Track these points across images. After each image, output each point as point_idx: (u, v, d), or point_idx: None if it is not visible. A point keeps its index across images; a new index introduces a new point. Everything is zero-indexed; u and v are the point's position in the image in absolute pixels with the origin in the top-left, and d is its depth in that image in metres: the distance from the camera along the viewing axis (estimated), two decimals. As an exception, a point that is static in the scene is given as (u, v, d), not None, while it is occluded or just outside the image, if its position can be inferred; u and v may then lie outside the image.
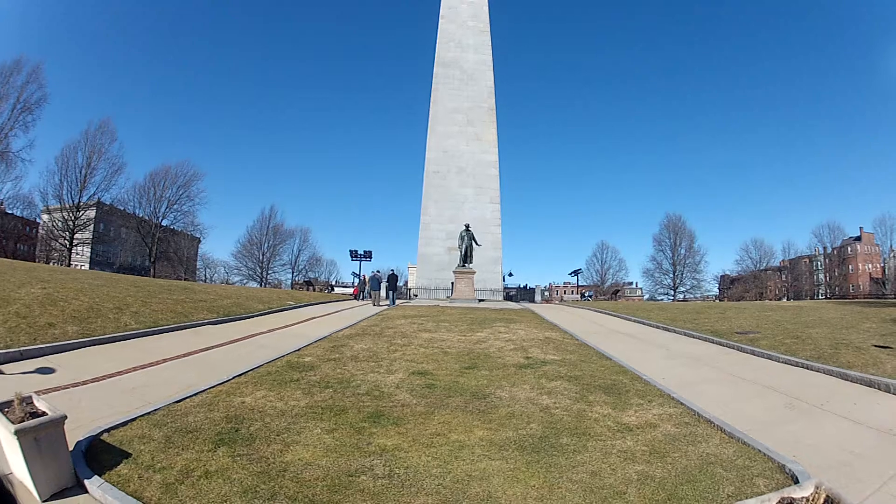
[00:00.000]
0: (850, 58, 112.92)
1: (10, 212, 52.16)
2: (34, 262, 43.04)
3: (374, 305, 25.37)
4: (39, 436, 4.30)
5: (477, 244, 30.91)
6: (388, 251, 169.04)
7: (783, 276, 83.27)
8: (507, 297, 39.30)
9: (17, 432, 4.18)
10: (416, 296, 36.91)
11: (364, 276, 33.24)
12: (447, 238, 37.58)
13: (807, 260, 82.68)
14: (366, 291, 30.83)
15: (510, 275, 45.16)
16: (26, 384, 6.92)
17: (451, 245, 35.26)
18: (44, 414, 4.55)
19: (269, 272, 67.11)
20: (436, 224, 39.11)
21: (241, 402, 6.78)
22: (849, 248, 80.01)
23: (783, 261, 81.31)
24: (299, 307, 21.03)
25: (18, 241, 56.11)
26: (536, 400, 7.33)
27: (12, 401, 4.61)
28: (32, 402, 4.78)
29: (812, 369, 9.33)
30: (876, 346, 10.32)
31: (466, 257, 30.26)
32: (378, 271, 31.37)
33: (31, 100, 43.34)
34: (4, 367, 8.01)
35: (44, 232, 54.60)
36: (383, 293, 28.57)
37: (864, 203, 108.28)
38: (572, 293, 70.88)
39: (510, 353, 10.91)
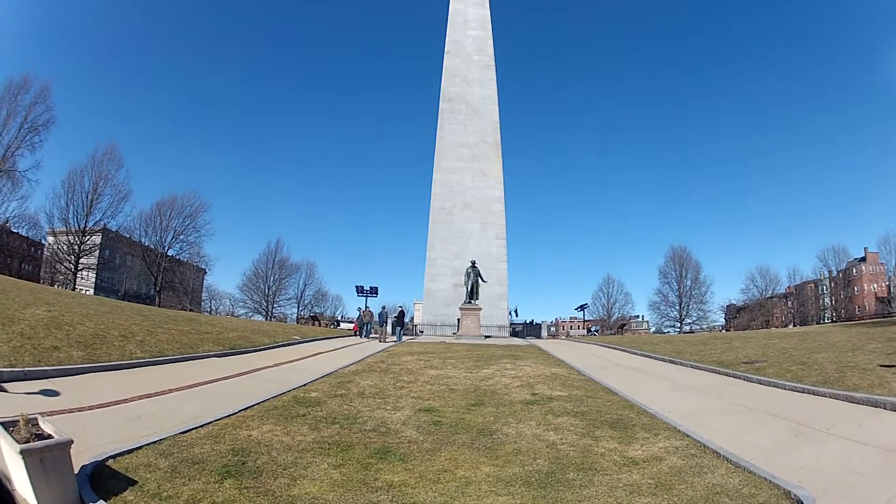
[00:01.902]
0: (851, 71, 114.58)
1: (15, 231, 52.24)
2: (38, 283, 42.94)
3: (381, 341, 25.31)
4: (45, 457, 4.31)
5: (483, 280, 30.98)
6: (394, 287, 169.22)
7: (789, 303, 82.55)
8: (514, 333, 39.09)
9: (22, 452, 4.20)
10: (423, 332, 36.77)
11: (363, 310, 32.84)
12: (453, 274, 37.60)
13: (812, 285, 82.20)
14: (366, 328, 30.37)
15: (515, 312, 45.01)
16: (30, 405, 6.93)
17: (457, 281, 35.28)
18: (49, 436, 4.58)
19: (275, 306, 67.12)
20: (441, 260, 39.24)
21: (248, 436, 6.79)
22: (854, 270, 79.53)
23: (789, 287, 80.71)
24: (305, 342, 21.04)
25: (23, 260, 56.30)
26: (543, 436, 7.29)
27: (18, 421, 4.64)
28: (38, 424, 4.81)
29: (818, 394, 9.32)
30: (882, 365, 10.34)
31: (472, 294, 30.31)
32: (385, 307, 31.39)
33: (39, 121, 43.36)
34: (8, 386, 8.00)
35: (49, 254, 54.77)
36: (389, 329, 28.54)
37: (869, 223, 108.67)
38: (579, 328, 70.22)
39: (516, 390, 10.88)
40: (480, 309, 30.16)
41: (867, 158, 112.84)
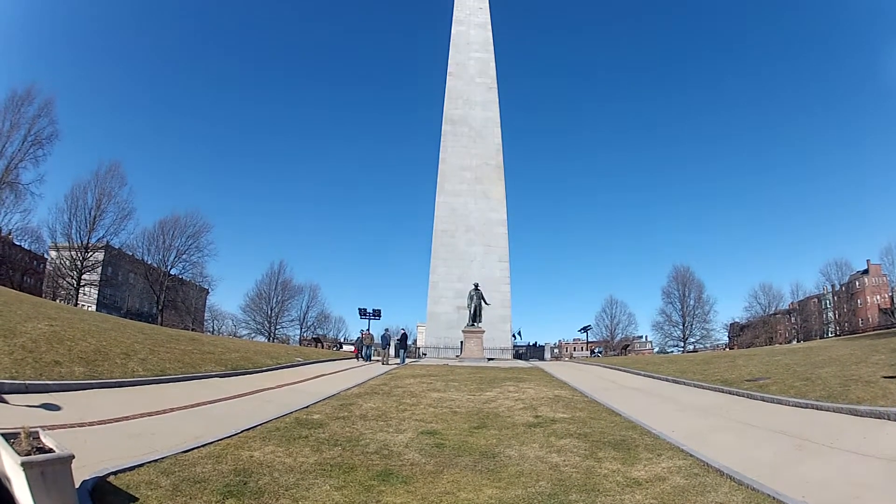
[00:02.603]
0: (851, 81, 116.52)
1: (18, 243, 52.51)
2: (40, 296, 42.77)
3: (384, 364, 25.20)
4: (46, 471, 4.30)
5: (486, 303, 30.98)
6: (397, 310, 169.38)
7: (792, 319, 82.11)
8: (517, 356, 38.87)
9: (23, 465, 4.21)
10: (425, 354, 36.60)
11: (363, 333, 32.60)
12: (456, 297, 37.53)
13: (815, 300, 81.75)
14: (366, 351, 29.98)
15: (518, 334, 44.82)
16: (31, 418, 6.98)
17: (460, 304, 35.21)
18: (51, 450, 4.57)
19: (278, 327, 67.11)
20: (444, 283, 39.25)
21: (250, 456, 6.77)
22: (857, 283, 79.25)
23: (792, 303, 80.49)
24: (308, 364, 21.00)
25: (25, 273, 56.55)
26: (545, 458, 7.25)
27: (19, 433, 4.65)
28: (39, 438, 4.81)
29: (822, 409, 9.31)
30: (885, 377, 10.36)
31: (475, 316, 30.28)
32: (388, 330, 31.31)
33: (43, 134, 43.80)
34: (9, 398, 7.98)
35: (51, 268, 54.88)
36: (392, 351, 28.43)
37: (872, 234, 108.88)
38: (582, 350, 69.97)
39: (519, 412, 10.84)
40: (483, 331, 30.08)
41: (868, 171, 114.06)
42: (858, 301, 79.32)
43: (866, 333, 38.53)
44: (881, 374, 10.63)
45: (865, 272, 79.63)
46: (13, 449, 4.38)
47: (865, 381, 10.30)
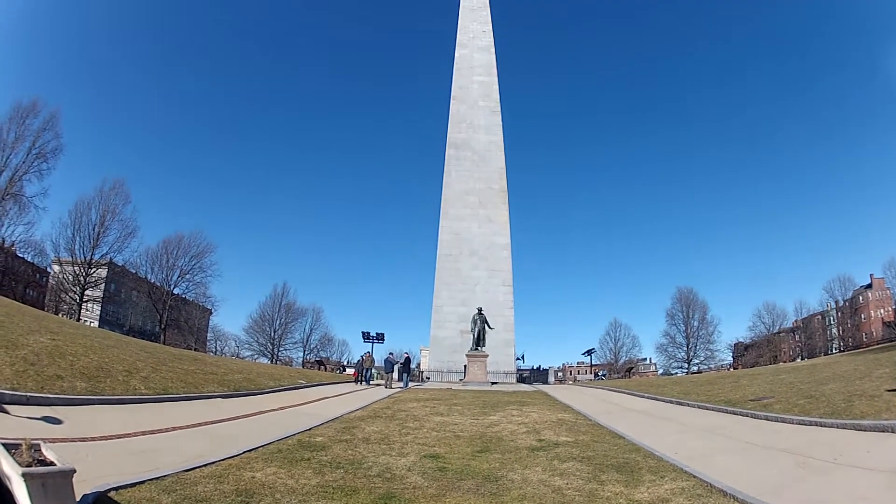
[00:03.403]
0: (850, 90, 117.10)
1: (21, 255, 52.24)
2: (43, 309, 42.39)
3: (387, 387, 25.07)
4: (47, 483, 4.30)
5: (489, 328, 30.92)
6: (401, 333, 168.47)
7: (797, 337, 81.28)
8: (521, 379, 38.60)
9: (24, 475, 4.22)
10: (429, 378, 36.38)
11: (363, 356, 32.30)
12: (460, 321, 37.41)
13: (819, 317, 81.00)
14: (366, 374, 29.38)
15: (522, 358, 44.57)
16: (32, 430, 6.99)
17: (464, 328, 35.09)
18: (52, 463, 4.57)
19: (281, 349, 66.78)
20: (448, 307, 39.16)
21: (252, 477, 6.76)
22: (860, 298, 78.60)
23: (796, 321, 79.59)
24: (310, 386, 20.94)
25: (27, 286, 56.25)
26: (548, 481, 7.22)
27: (21, 445, 4.68)
28: (40, 450, 4.81)
29: (825, 426, 9.28)
30: (889, 390, 10.36)
31: (479, 340, 30.21)
32: (391, 353, 31.17)
33: (47, 148, 43.81)
34: (10, 409, 7.99)
35: (54, 282, 54.77)
36: (396, 375, 28.30)
37: (874, 249, 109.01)
38: (586, 373, 69.33)
39: (523, 436, 10.80)
40: (487, 356, 29.96)
41: (868, 184, 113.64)
42: (862, 316, 78.79)
43: (870, 348, 38.22)
44: (885, 388, 10.65)
45: (869, 286, 79.02)
46: (14, 460, 4.41)
47: (869, 396, 10.32)
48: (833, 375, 14.38)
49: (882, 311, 76.52)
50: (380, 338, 45.73)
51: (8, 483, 4.11)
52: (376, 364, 30.33)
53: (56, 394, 9.61)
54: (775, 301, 77.14)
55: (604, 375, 55.91)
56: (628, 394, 20.00)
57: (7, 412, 7.86)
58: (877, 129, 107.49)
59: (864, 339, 73.07)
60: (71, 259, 49.38)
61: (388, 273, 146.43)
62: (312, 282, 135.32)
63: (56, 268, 54.31)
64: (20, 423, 7.50)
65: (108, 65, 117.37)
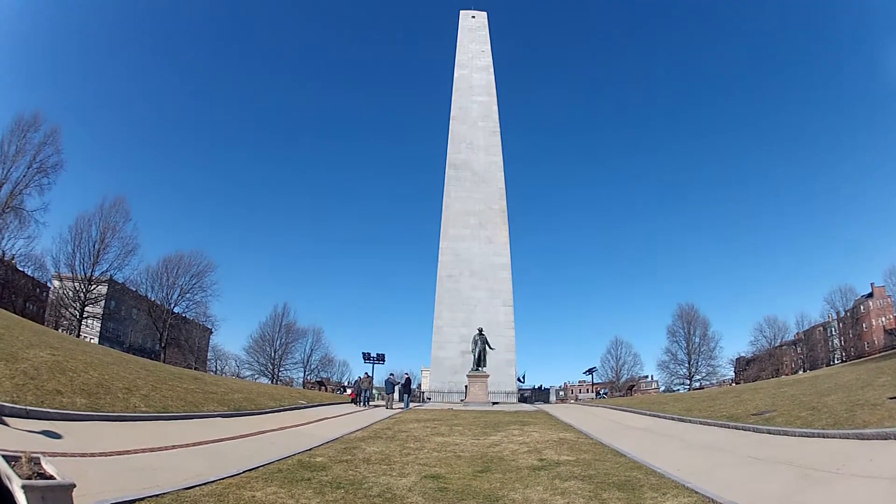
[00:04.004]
0: (850, 96, 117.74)
1: (21, 269, 52.01)
2: (42, 324, 41.99)
3: (388, 408, 24.92)
4: (46, 496, 4.32)
5: (490, 348, 30.87)
6: (401, 354, 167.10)
7: (798, 349, 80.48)
8: (522, 399, 38.36)
9: (24, 487, 4.24)
10: (430, 399, 36.18)
11: (361, 377, 32.04)
12: (460, 341, 37.31)
13: (821, 328, 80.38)
14: (364, 395, 28.81)
15: (523, 378, 44.27)
16: (32, 443, 6.98)
17: (465, 348, 34.99)
18: (52, 477, 4.58)
19: (281, 369, 66.25)
20: (449, 328, 39.07)
21: (252, 496, 6.75)
22: (861, 307, 77.88)
23: (797, 333, 78.91)
24: (311, 407, 20.85)
25: (27, 300, 55.96)
26: (550, 500, 7.20)
27: (21, 457, 4.69)
28: (40, 464, 4.81)
29: (828, 437, 9.26)
30: (891, 398, 10.34)
31: (480, 361, 30.15)
32: (392, 374, 31.02)
33: (48, 162, 43.63)
34: (10, 421, 7.97)
35: (54, 297, 54.34)
36: (397, 396, 28.16)
37: (875, 258, 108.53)
38: (588, 391, 68.77)
39: (524, 456, 10.75)
40: (488, 376, 29.86)
41: (867, 192, 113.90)
42: (864, 325, 78.12)
43: (872, 357, 37.94)
44: (887, 396, 10.65)
45: (870, 295, 78.53)
46: (14, 472, 4.43)
47: (871, 405, 10.33)
48: (835, 386, 14.39)
49: (883, 319, 76.07)
50: (380, 358, 45.45)
51: (8, 483, 4.13)
52: (376, 385, 30.13)
53: (56, 408, 9.60)
54: (776, 314, 77.34)
55: (605, 394, 55.55)
56: (630, 411, 19.95)
57: (7, 425, 7.85)
58: (876, 136, 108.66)
59: (866, 349, 72.43)
60: (71, 275, 49.15)
61: (389, 294, 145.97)
62: (313, 302, 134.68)
63: (56, 283, 53.98)
64: (20, 436, 7.51)
65: (109, 79, 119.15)
